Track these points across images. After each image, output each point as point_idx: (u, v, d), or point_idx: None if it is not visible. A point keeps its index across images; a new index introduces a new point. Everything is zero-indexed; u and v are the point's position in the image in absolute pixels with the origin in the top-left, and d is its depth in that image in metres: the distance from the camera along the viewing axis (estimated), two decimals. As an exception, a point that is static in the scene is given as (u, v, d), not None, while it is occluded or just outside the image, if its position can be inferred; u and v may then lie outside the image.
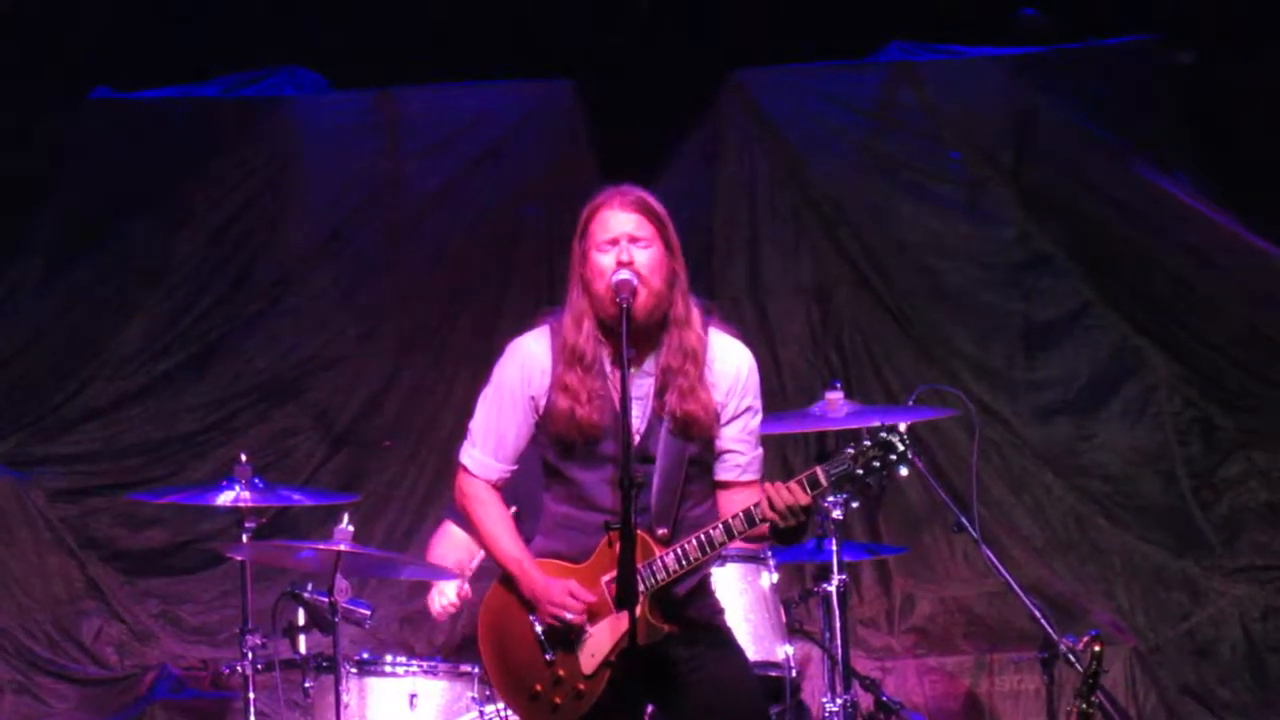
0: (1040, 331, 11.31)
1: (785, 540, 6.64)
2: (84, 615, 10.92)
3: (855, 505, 8.83)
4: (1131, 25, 11.45)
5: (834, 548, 8.64)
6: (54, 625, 10.85)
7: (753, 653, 8.12)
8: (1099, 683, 7.88)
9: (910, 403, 9.32)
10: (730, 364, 6.74)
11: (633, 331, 6.54)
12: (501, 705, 7.93)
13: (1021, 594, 8.32)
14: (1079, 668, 7.94)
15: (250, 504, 8.48)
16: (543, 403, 6.70)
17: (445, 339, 11.42)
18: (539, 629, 6.67)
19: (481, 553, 8.44)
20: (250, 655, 8.43)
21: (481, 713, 8.13)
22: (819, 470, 6.49)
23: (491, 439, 6.79)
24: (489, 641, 6.82)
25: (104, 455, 11.24)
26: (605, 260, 6.61)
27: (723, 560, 8.34)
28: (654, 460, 6.64)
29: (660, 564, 6.56)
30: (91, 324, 11.40)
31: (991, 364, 11.30)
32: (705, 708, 6.59)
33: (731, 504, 6.66)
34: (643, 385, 6.67)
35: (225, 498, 8.49)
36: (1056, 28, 11.56)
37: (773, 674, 8.40)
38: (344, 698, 8.02)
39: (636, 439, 6.57)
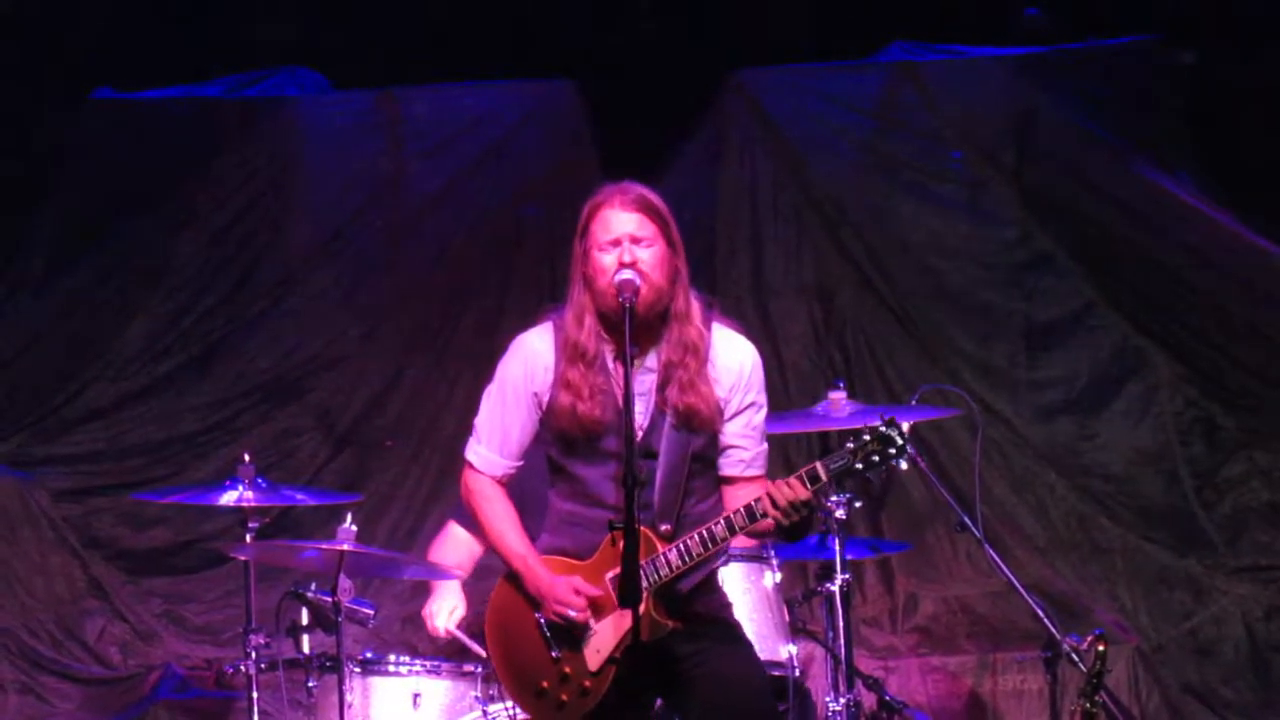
0: (1042, 331, 11.31)
1: (790, 537, 6.65)
2: (87, 615, 10.92)
3: (858, 504, 8.83)
4: (1132, 25, 11.45)
5: (837, 546, 8.64)
6: (57, 625, 10.84)
7: (756, 652, 8.12)
8: (1102, 682, 7.88)
9: (913, 402, 9.32)
10: (734, 359, 6.75)
11: (635, 328, 6.54)
12: (505, 704, 7.95)
13: (1024, 593, 8.32)
14: (1082, 667, 7.95)
15: (253, 504, 8.48)
16: (546, 399, 6.72)
17: (447, 339, 11.42)
18: (544, 626, 6.68)
19: (483, 550, 8.45)
20: (254, 655, 8.43)
21: (485, 712, 8.12)
22: (819, 465, 6.50)
23: (497, 435, 6.80)
24: (496, 639, 6.83)
25: (107, 455, 11.24)
26: (607, 260, 6.62)
27: (726, 559, 8.33)
28: (657, 456, 6.65)
29: (663, 560, 6.56)
30: (93, 324, 11.41)
31: (993, 363, 11.30)
32: (712, 702, 6.60)
33: (735, 499, 6.67)
34: (645, 381, 6.68)
35: (228, 497, 8.49)
36: (1058, 28, 11.56)
37: (776, 673, 8.40)
38: (347, 697, 8.02)
39: (639, 434, 6.58)
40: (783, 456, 10.70)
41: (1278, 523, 11.00)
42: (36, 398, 11.26)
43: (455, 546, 8.69)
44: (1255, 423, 11.11)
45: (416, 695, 8.27)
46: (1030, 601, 8.28)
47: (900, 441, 6.49)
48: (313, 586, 8.14)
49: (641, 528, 6.45)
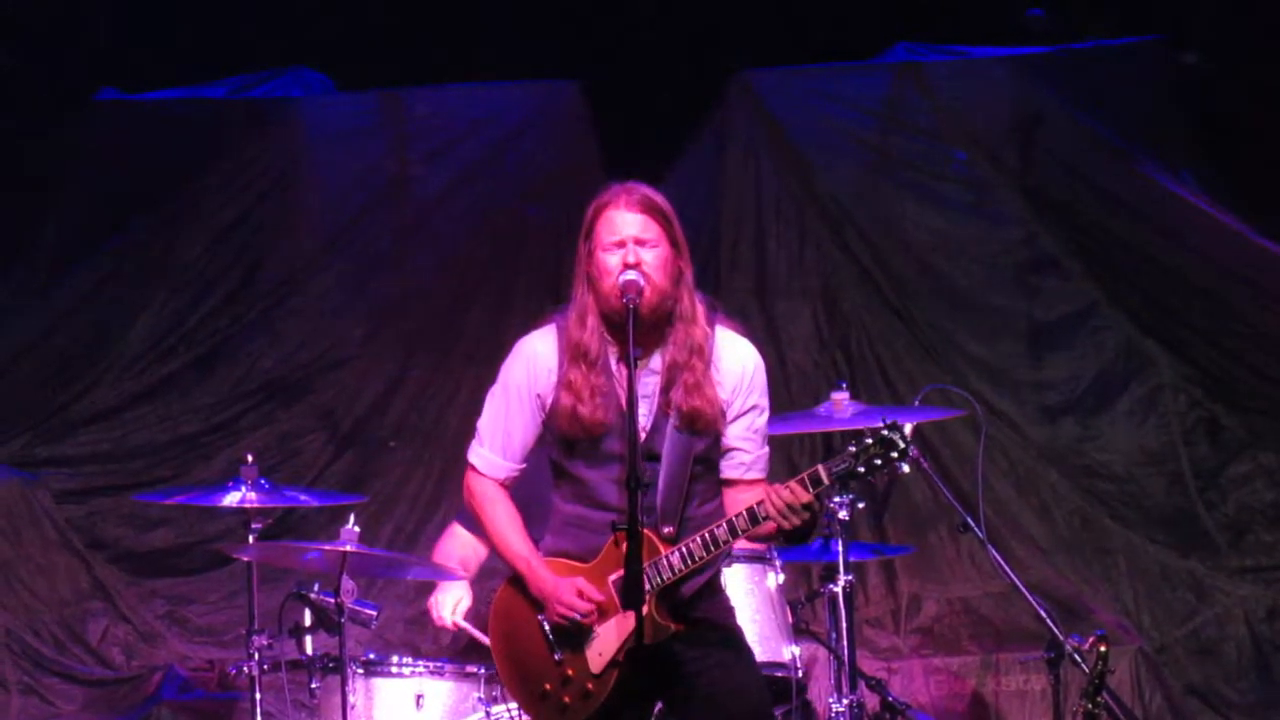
0: (1046, 331, 11.32)
1: (792, 540, 6.64)
2: (91, 616, 10.92)
3: (861, 506, 8.83)
4: (1137, 26, 11.45)
5: (840, 548, 8.63)
6: (61, 626, 10.84)
7: (759, 653, 8.09)
8: (1105, 683, 7.87)
9: (916, 403, 9.31)
10: (736, 362, 6.74)
11: (639, 330, 6.54)
12: (508, 705, 7.95)
13: (1027, 594, 8.32)
14: (1085, 668, 7.94)
15: (257, 505, 8.47)
16: (549, 401, 6.71)
17: (451, 340, 11.42)
18: (547, 628, 6.68)
19: (487, 552, 8.45)
20: (256, 656, 8.43)
21: (488, 713, 8.12)
22: (821, 468, 6.49)
23: (500, 437, 6.80)
24: (499, 641, 6.83)
25: (111, 456, 11.25)
26: (612, 260, 6.62)
27: (729, 560, 8.34)
28: (660, 458, 6.64)
29: (665, 563, 6.56)
30: (97, 325, 11.42)
31: (997, 364, 11.30)
32: (712, 707, 6.59)
33: (737, 502, 6.66)
34: (648, 383, 6.68)
35: (232, 498, 8.48)
36: (1061, 28, 11.56)
37: (779, 674, 8.40)
38: (350, 698, 8.02)
39: (642, 436, 6.57)
40: (786, 457, 10.70)
41: (1281, 523, 11.03)
42: (40, 399, 11.27)
43: (459, 548, 8.68)
44: (1259, 423, 11.11)
45: (419, 696, 8.26)
46: (1033, 602, 8.27)
47: (902, 445, 6.48)
48: (316, 587, 8.14)
49: (644, 530, 6.45)
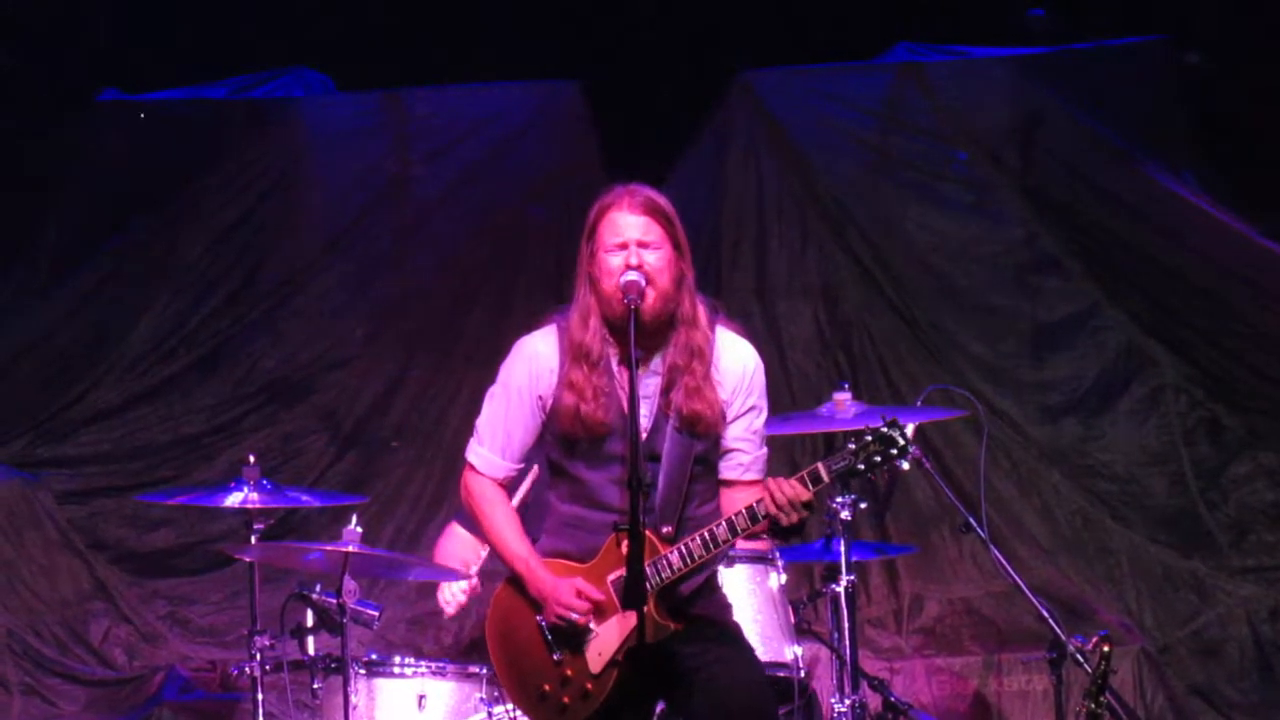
0: (1048, 332, 11.32)
1: (784, 536, 6.65)
2: (92, 616, 10.92)
3: (864, 505, 8.83)
4: (1139, 26, 11.45)
5: (842, 548, 8.63)
6: (62, 626, 10.84)
7: (761, 653, 8.09)
8: (1107, 683, 7.87)
9: (918, 403, 9.32)
10: (736, 363, 6.75)
11: (640, 331, 6.54)
12: (510, 706, 7.94)
13: (1029, 594, 8.32)
14: (1087, 668, 7.94)
15: (258, 505, 8.48)
16: (550, 401, 6.71)
17: (453, 339, 11.42)
18: (546, 629, 6.68)
19: (487, 551, 8.44)
20: (258, 656, 8.43)
21: (490, 714, 8.12)
22: (821, 466, 6.50)
23: (499, 437, 6.80)
24: (497, 642, 6.83)
25: (112, 457, 11.25)
26: (614, 262, 6.62)
27: (731, 561, 8.34)
28: (660, 459, 6.64)
29: (665, 562, 6.56)
30: (99, 326, 11.42)
31: (999, 364, 11.30)
32: (713, 704, 6.59)
33: (734, 503, 6.66)
34: (649, 384, 6.68)
35: (234, 499, 8.48)
36: (1062, 29, 11.56)
37: (781, 674, 8.39)
38: (352, 699, 8.01)
39: (643, 437, 6.57)
40: (788, 458, 10.71)
41: (1283, 523, 11.03)
42: (42, 399, 11.28)
43: (459, 548, 8.67)
44: (1260, 423, 11.11)
45: (422, 697, 8.26)
46: (1035, 602, 8.28)
47: (902, 441, 6.49)
48: (318, 588, 8.14)
49: (644, 530, 6.44)
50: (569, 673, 6.66)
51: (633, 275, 6.57)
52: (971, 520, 8.46)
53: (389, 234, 11.67)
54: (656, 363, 6.70)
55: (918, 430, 6.69)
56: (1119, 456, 11.17)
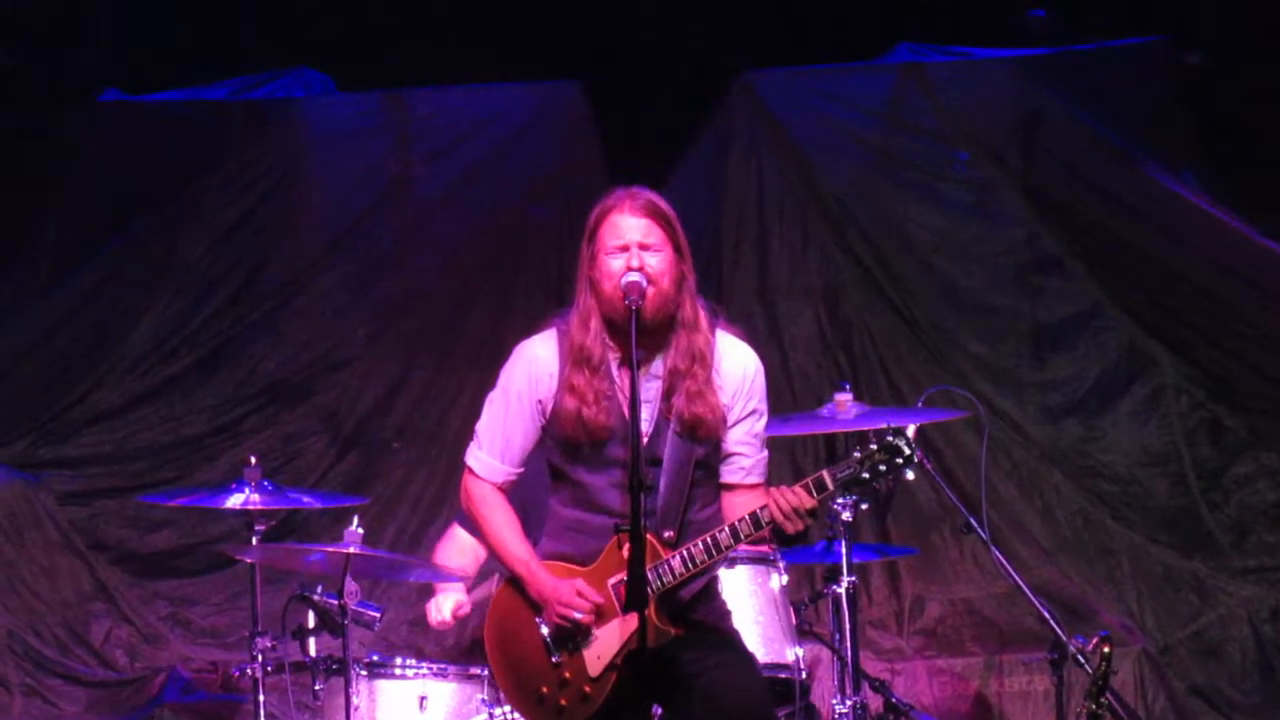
0: (1049, 332, 11.32)
1: (788, 541, 6.66)
2: (93, 617, 10.93)
3: (864, 507, 8.82)
4: (1140, 26, 11.45)
5: (843, 549, 8.62)
6: (63, 627, 10.85)
7: (762, 655, 8.13)
8: (1108, 684, 7.87)
9: (919, 404, 9.32)
10: (737, 366, 6.75)
11: (641, 334, 6.54)
12: (511, 708, 7.95)
13: (1030, 595, 8.32)
14: (1088, 669, 7.94)
15: (260, 506, 8.48)
16: (550, 406, 6.71)
17: (454, 340, 11.42)
18: (545, 631, 6.68)
19: (486, 555, 8.45)
20: (260, 658, 8.42)
21: (491, 715, 8.12)
22: (825, 474, 6.50)
23: (498, 442, 6.80)
24: (495, 644, 6.84)
25: (113, 458, 11.25)
26: (615, 264, 6.62)
27: (732, 562, 8.34)
28: (661, 463, 6.65)
29: (667, 567, 6.56)
30: (100, 326, 11.42)
31: (1000, 365, 11.30)
32: (711, 710, 6.59)
33: (736, 507, 6.67)
34: (650, 388, 6.68)
35: (235, 500, 8.48)
36: (1064, 29, 11.56)
37: (782, 676, 8.40)
38: (354, 700, 8.01)
39: (644, 441, 6.57)
40: (789, 459, 10.72)
41: (1285, 524, 11.03)
42: (43, 400, 11.27)
43: (459, 549, 8.69)
44: (1262, 424, 11.11)
45: (423, 698, 8.27)
46: (1036, 603, 8.28)
47: (908, 451, 6.49)
48: (319, 589, 8.14)
49: (646, 534, 6.44)
50: (567, 675, 6.67)
51: (634, 276, 6.57)
52: (972, 521, 8.46)
53: (390, 234, 11.67)
54: (657, 366, 6.70)
55: (919, 431, 6.69)
56: (1120, 457, 11.16)
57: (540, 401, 6.73)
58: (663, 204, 6.69)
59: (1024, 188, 11.43)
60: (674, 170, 11.38)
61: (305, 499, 9.09)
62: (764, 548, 8.52)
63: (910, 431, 6.54)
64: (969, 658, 10.87)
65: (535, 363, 6.75)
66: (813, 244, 11.47)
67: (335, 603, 7.97)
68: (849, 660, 8.57)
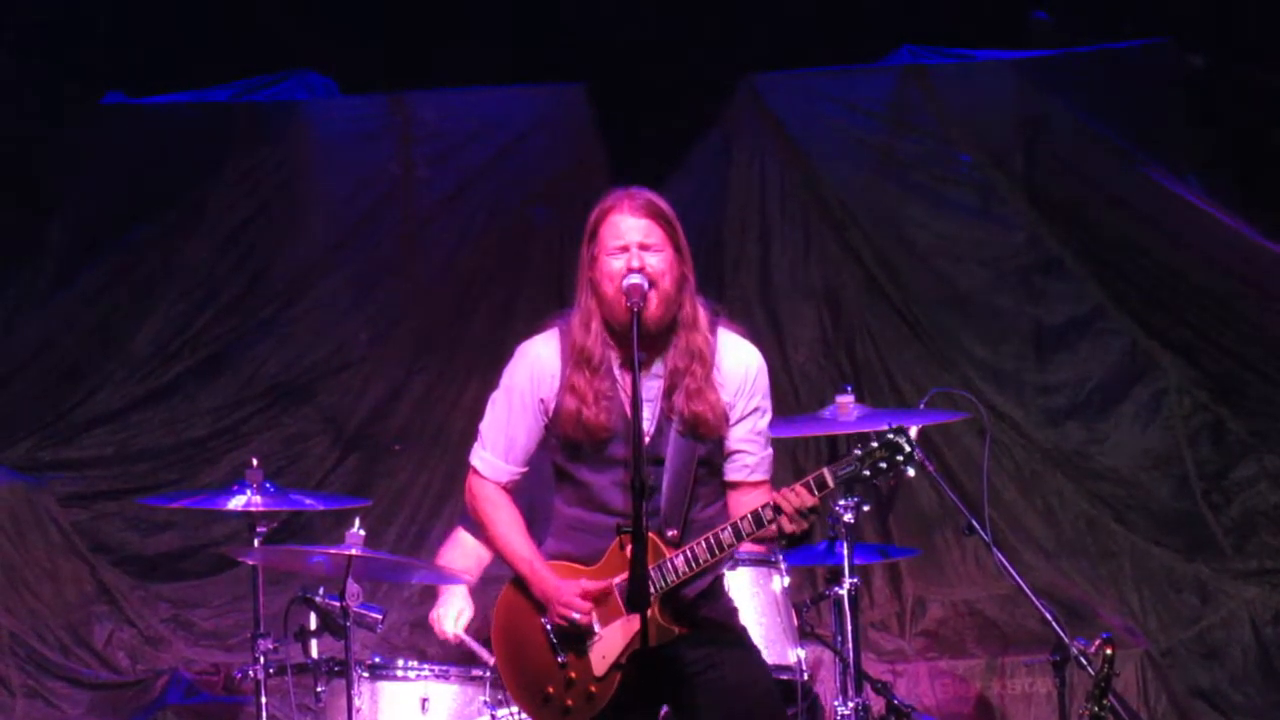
0: (1051, 334, 11.32)
1: (792, 542, 6.65)
2: (95, 620, 10.93)
3: (866, 508, 8.82)
4: (1143, 28, 11.45)
5: (845, 551, 8.63)
6: (65, 630, 10.85)
7: (764, 656, 8.12)
8: (1110, 686, 7.87)
9: (922, 406, 9.31)
10: (739, 364, 6.75)
11: (642, 334, 6.54)
12: (513, 709, 7.95)
13: (1032, 597, 8.31)
14: (1090, 671, 7.93)
15: (262, 508, 8.49)
16: (552, 405, 6.72)
17: (457, 343, 11.43)
18: (550, 631, 6.68)
19: (489, 556, 8.45)
20: (262, 660, 8.43)
21: (493, 716, 8.13)
22: (826, 472, 6.50)
23: (501, 441, 6.80)
24: (502, 644, 6.83)
25: (116, 460, 11.25)
26: (616, 265, 6.62)
27: (734, 564, 8.35)
28: (663, 462, 6.65)
29: (670, 566, 6.56)
30: (103, 329, 11.43)
31: (1002, 367, 11.30)
32: (720, 708, 6.59)
33: (741, 505, 6.66)
34: (651, 388, 6.68)
35: (237, 502, 8.49)
36: (1067, 31, 11.55)
37: (784, 677, 8.40)
38: (356, 702, 8.02)
39: (646, 441, 6.57)
40: (791, 460, 10.71)
41: (1286, 526, 11.02)
42: (45, 402, 11.28)
43: (463, 552, 8.68)
44: (1264, 426, 11.11)
45: (425, 700, 8.27)
46: (1038, 605, 8.27)
47: (908, 449, 6.48)
48: (321, 591, 8.15)
49: (649, 533, 6.44)
50: (573, 675, 6.67)
51: (635, 278, 6.57)
52: (974, 523, 8.45)
53: (393, 237, 11.68)
54: (658, 366, 6.70)
55: (921, 433, 6.69)
56: (1122, 459, 11.16)
57: (543, 401, 6.73)
58: (662, 204, 6.69)
59: (1026, 189, 11.43)
60: (676, 172, 11.38)
61: (307, 501, 9.10)
62: (762, 548, 8.53)
63: (912, 433, 6.54)
64: (971, 659, 10.86)
65: (537, 362, 6.75)
66: (815, 246, 11.48)
67: (337, 604, 7.98)
68: (851, 662, 8.57)
